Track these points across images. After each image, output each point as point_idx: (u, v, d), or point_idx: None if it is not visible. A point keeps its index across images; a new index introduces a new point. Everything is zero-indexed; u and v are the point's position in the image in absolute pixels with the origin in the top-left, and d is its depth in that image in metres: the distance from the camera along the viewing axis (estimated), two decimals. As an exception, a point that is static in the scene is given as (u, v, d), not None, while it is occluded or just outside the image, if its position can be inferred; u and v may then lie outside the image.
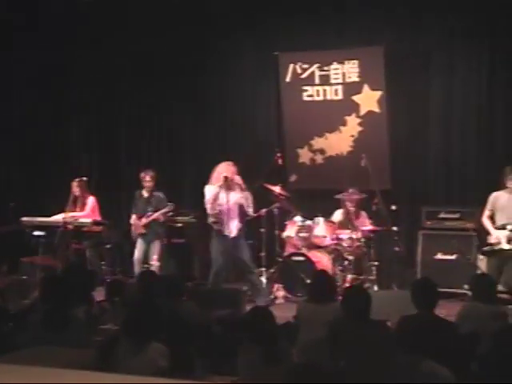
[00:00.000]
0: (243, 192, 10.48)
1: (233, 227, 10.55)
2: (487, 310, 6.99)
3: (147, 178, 11.42)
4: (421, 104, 12.07)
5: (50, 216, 11.80)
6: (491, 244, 9.54)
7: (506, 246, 9.40)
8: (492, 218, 9.59)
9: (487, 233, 9.64)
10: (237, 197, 10.48)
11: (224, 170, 10.46)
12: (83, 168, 13.37)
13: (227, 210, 10.46)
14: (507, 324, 7.09)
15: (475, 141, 11.72)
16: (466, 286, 8.84)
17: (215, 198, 10.41)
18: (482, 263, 10.45)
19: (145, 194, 11.48)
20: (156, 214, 11.26)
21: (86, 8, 12.38)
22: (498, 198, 9.61)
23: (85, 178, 11.94)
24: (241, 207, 10.51)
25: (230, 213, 10.50)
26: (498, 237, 9.47)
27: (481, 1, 11.25)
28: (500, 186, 9.67)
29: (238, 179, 10.47)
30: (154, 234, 11.38)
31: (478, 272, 9.63)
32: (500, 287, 9.08)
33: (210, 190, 10.49)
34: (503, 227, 9.42)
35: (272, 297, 10.86)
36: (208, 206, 10.51)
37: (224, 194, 10.41)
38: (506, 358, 5.70)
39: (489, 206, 9.66)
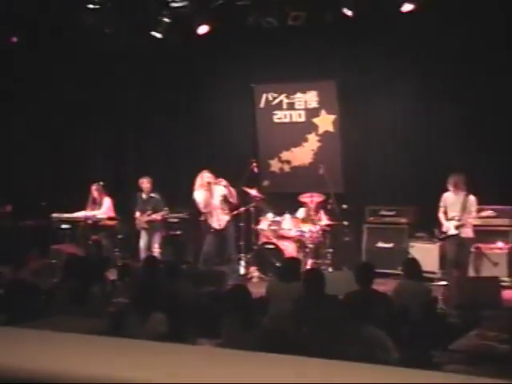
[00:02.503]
0: (227, 188, 10.59)
1: (222, 220, 10.65)
2: (416, 286, 7.05)
3: (144, 183, 11.51)
4: (366, 125, 12.10)
5: (73, 213, 11.83)
6: (444, 232, 9.66)
7: (454, 232, 9.52)
8: (446, 213, 9.71)
9: (441, 224, 9.76)
10: (219, 194, 10.61)
11: (206, 177, 10.59)
12: (100, 175, 13.39)
13: (214, 206, 10.59)
14: (431, 297, 7.18)
15: (408, 154, 11.74)
16: (399, 268, 8.87)
17: (207, 201, 10.54)
18: (414, 250, 10.54)
19: (144, 196, 11.53)
20: (154, 216, 11.30)
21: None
22: (447, 197, 9.74)
23: (101, 183, 11.95)
24: (225, 201, 10.62)
25: (217, 208, 10.62)
26: (447, 226, 9.60)
27: (416, 41, 11.24)
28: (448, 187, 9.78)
29: (221, 180, 10.59)
30: (154, 228, 11.43)
31: (409, 256, 9.66)
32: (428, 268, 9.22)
33: (199, 195, 10.61)
34: (452, 218, 9.53)
35: (248, 277, 10.89)
36: (201, 208, 10.65)
37: (209, 195, 10.54)
38: (430, 324, 5.76)
39: (441, 204, 9.76)
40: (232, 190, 10.67)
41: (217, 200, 10.69)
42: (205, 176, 10.63)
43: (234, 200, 10.75)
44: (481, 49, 10.82)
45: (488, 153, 11.08)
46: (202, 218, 10.73)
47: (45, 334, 2.49)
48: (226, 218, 10.77)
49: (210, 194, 10.60)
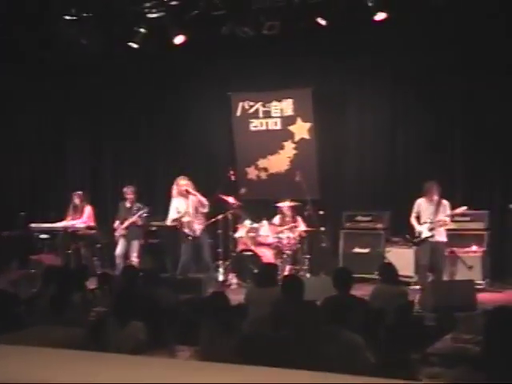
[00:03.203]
0: (196, 198, 10.62)
1: (196, 228, 10.64)
2: (392, 290, 7.07)
3: (129, 193, 11.39)
4: (341, 132, 12.17)
5: (53, 222, 11.75)
6: (417, 236, 9.72)
7: (427, 234, 9.59)
8: (418, 218, 9.76)
9: (414, 229, 9.83)
10: (192, 201, 10.60)
11: (183, 184, 10.59)
12: (78, 184, 13.33)
13: (189, 215, 10.60)
14: (407, 301, 7.20)
15: (382, 160, 11.85)
16: (376, 272, 8.90)
17: (181, 209, 10.54)
18: (390, 255, 10.58)
19: (127, 204, 11.40)
20: (134, 217, 11.20)
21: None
22: (420, 203, 9.81)
23: (80, 192, 11.89)
24: (197, 210, 10.62)
25: (191, 217, 10.61)
26: (420, 230, 9.66)
27: (389, 49, 11.30)
28: (422, 194, 9.83)
29: (192, 191, 10.64)
30: (133, 235, 11.32)
31: (385, 261, 9.71)
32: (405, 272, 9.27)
33: (175, 203, 10.67)
34: (424, 222, 9.60)
35: (227, 283, 10.86)
36: (173, 215, 10.69)
37: (185, 203, 10.53)
38: (407, 327, 5.78)
39: (415, 210, 9.84)
40: (202, 199, 10.67)
41: (191, 208, 10.68)
42: (180, 183, 10.64)
43: (205, 209, 10.75)
44: (453, 59, 10.93)
45: (461, 160, 11.22)
46: (178, 226, 10.72)
47: (18, 349, 2.46)
48: (200, 226, 10.74)
49: (187, 201, 10.60)
